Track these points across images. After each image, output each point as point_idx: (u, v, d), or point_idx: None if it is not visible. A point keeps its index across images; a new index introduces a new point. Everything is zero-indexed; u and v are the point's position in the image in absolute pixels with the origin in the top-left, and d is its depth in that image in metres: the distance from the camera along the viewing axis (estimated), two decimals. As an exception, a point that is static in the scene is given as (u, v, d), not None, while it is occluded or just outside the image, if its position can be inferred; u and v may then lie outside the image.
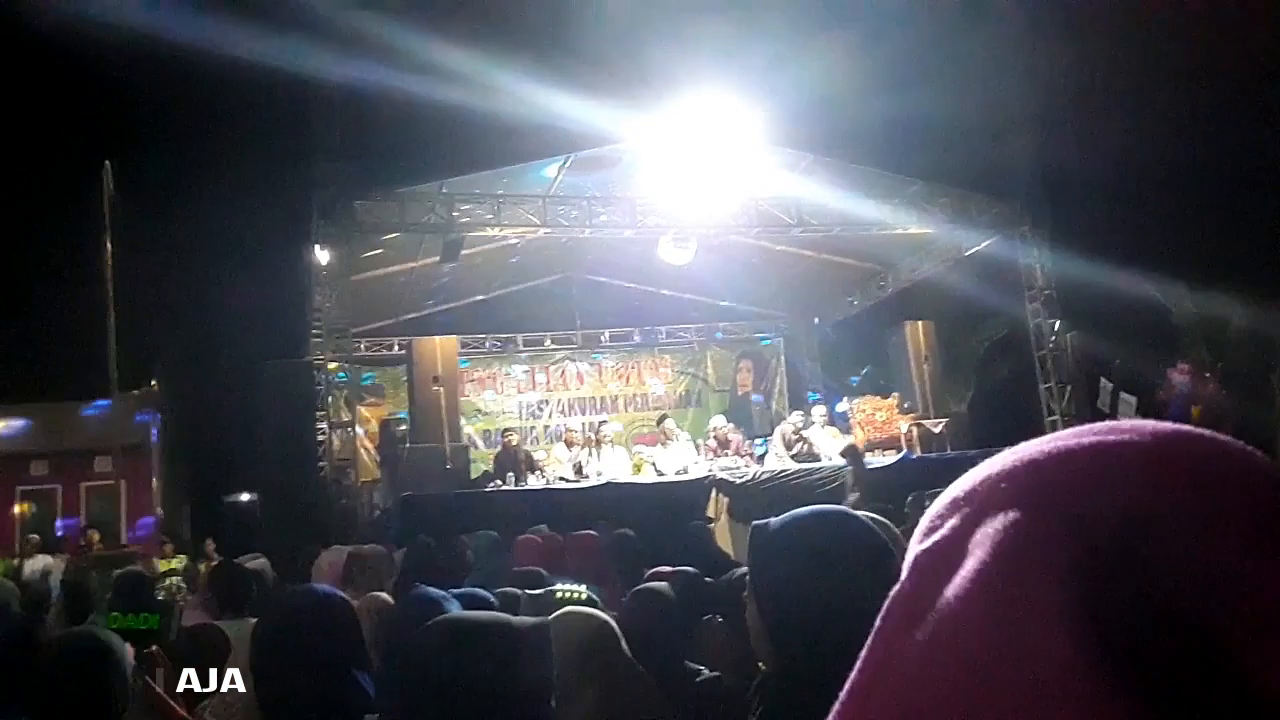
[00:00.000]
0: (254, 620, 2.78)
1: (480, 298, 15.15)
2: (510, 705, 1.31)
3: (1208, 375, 9.87)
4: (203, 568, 7.30)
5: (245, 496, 12.04)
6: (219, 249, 10.52)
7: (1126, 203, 9.60)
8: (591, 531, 6.57)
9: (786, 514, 1.49)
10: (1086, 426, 0.49)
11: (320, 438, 11.08)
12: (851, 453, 9.03)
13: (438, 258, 11.28)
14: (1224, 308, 11.28)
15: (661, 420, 12.69)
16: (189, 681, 2.80)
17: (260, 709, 1.96)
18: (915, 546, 0.49)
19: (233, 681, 2.66)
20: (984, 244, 12.59)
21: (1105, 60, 9.46)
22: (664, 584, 3.27)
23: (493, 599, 3.12)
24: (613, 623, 2.26)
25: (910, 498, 7.01)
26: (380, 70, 8.36)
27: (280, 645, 1.89)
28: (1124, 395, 7.82)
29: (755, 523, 1.52)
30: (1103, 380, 8.19)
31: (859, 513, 1.57)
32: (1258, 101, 9.28)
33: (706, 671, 2.67)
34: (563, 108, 8.86)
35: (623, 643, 2.23)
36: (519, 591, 3.36)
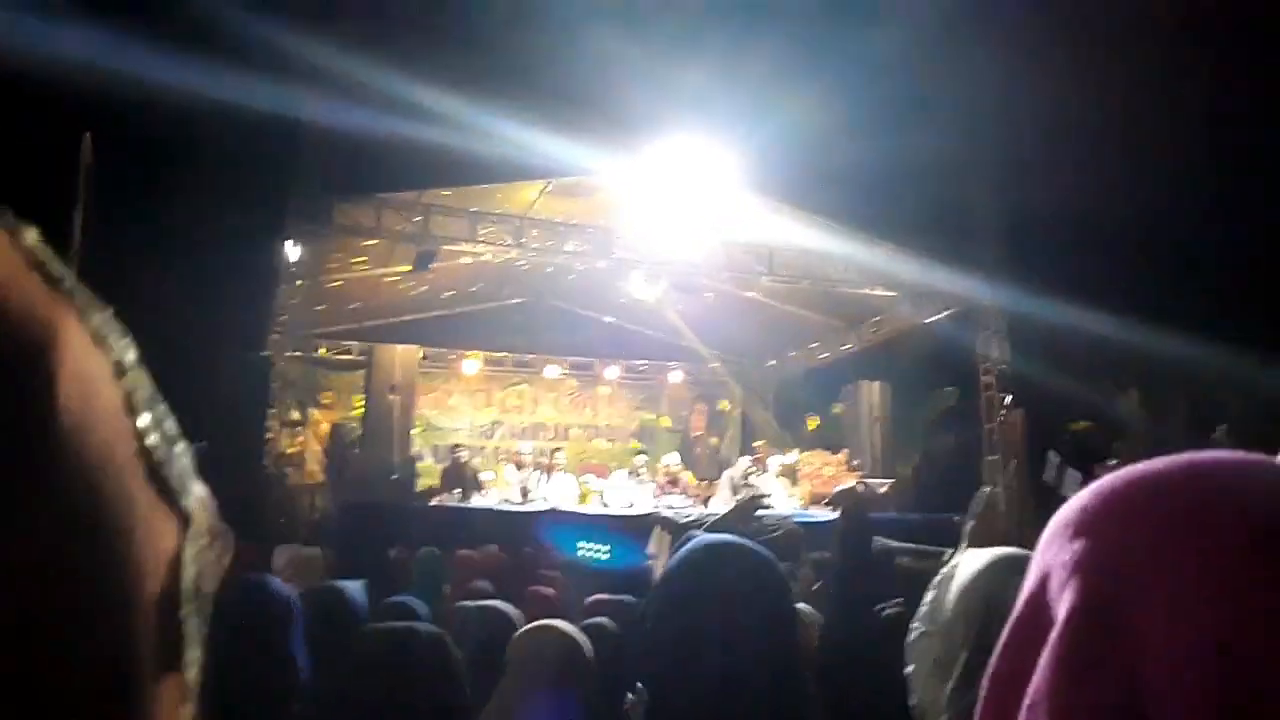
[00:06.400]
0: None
1: (445, 312, 15.13)
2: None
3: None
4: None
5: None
6: (190, 232, 10.41)
7: (1086, 293, 9.84)
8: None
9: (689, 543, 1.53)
10: None
11: (269, 435, 10.98)
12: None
13: (408, 267, 11.29)
14: (1165, 408, 11.61)
15: (660, 459, 12.89)
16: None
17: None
18: None
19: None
20: (944, 313, 12.84)
21: (1083, 143, 9.76)
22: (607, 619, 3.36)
23: (421, 610, 3.20)
24: (584, 641, 2.29)
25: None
26: (368, 111, 8.47)
27: (223, 624, 1.92)
28: (1070, 470, 7.99)
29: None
30: (1050, 454, 8.38)
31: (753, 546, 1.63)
32: (1229, 217, 9.58)
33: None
34: (547, 147, 9.01)
35: (591, 660, 2.27)
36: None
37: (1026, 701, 0.49)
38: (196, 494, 0.45)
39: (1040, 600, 0.53)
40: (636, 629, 3.43)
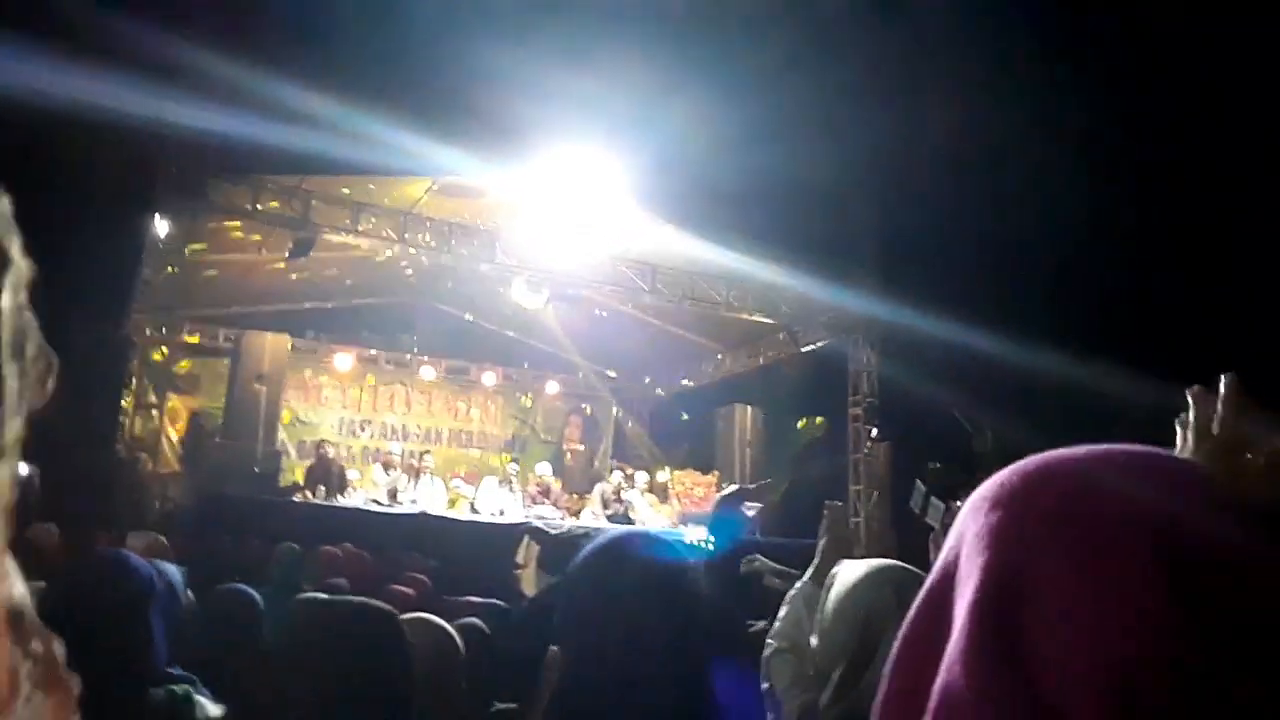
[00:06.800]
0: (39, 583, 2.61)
1: (320, 304, 14.70)
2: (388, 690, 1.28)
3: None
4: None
5: (25, 468, 11.13)
6: (51, 198, 9.83)
7: (949, 332, 10.24)
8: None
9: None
10: None
11: (121, 418, 10.43)
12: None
13: (284, 254, 10.91)
14: (1017, 443, 12.18)
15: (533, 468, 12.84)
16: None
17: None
18: None
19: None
20: (819, 344, 13.16)
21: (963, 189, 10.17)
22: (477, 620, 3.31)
23: (255, 598, 3.18)
24: (457, 637, 2.23)
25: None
26: (244, 106, 8.17)
27: (80, 600, 1.80)
28: (934, 500, 8.35)
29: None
30: (918, 482, 8.76)
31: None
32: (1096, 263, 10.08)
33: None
34: (432, 153, 8.84)
35: (463, 656, 2.20)
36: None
37: (944, 663, 0.51)
38: (17, 248, 0.42)
39: (954, 565, 0.56)
40: (512, 632, 3.38)
